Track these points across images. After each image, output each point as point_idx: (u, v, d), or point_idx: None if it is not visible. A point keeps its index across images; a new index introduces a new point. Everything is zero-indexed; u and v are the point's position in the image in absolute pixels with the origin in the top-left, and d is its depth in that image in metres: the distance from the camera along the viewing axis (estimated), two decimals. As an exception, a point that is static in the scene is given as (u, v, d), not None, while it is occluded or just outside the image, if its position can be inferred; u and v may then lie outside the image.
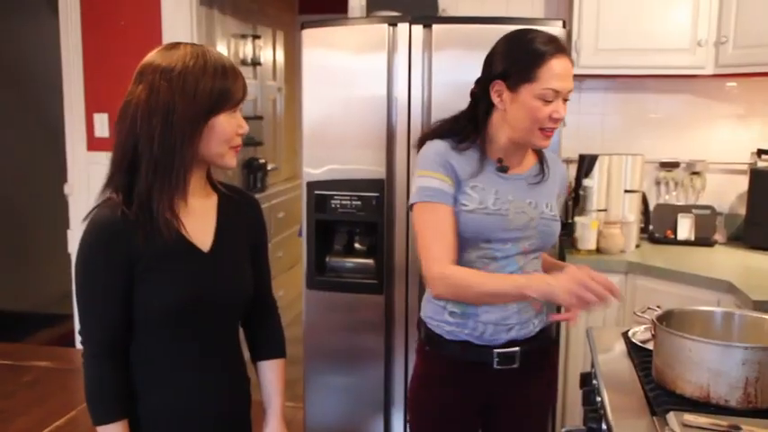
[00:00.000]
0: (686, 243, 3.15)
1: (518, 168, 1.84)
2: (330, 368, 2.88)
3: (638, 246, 3.11)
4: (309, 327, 2.89)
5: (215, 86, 1.44)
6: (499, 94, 1.75)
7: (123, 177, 1.43)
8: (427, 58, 2.62)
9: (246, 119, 4.92)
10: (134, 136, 1.41)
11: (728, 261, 2.93)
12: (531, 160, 1.87)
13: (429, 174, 1.77)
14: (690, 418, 1.33)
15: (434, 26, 2.59)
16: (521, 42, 1.74)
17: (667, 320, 1.57)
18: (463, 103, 1.86)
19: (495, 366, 1.80)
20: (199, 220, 1.51)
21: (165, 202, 1.43)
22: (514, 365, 1.82)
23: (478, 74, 1.81)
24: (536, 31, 1.75)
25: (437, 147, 1.80)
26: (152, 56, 1.45)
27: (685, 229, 3.18)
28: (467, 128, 1.81)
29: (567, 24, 2.67)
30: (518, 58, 1.72)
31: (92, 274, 1.44)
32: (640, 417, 1.45)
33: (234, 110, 1.49)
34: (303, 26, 2.71)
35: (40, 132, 5.19)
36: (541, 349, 1.90)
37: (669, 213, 3.22)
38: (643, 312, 1.71)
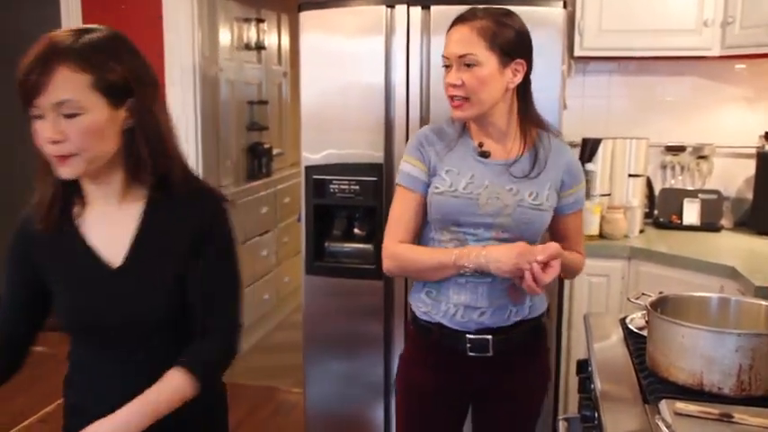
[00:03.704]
0: (692, 228, 3.11)
1: (501, 154, 1.80)
2: (330, 354, 2.86)
3: (642, 231, 3.06)
4: (309, 312, 2.87)
5: (18, 84, 1.26)
6: None
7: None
8: (426, 40, 2.58)
9: (251, 103, 4.84)
10: None
11: (734, 246, 2.89)
12: (520, 147, 1.80)
13: (406, 158, 1.86)
14: (681, 406, 1.30)
15: (433, 7, 2.55)
16: None
17: (662, 307, 1.53)
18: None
19: (468, 353, 1.80)
20: (111, 231, 1.38)
21: (61, 211, 1.37)
22: (488, 354, 1.80)
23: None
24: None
25: (421, 131, 1.89)
26: None
27: (691, 213, 3.13)
28: None
29: (569, 5, 2.61)
30: None
31: (5, 270, 1.42)
32: (633, 405, 1.43)
33: (37, 113, 1.27)
34: (300, 8, 2.68)
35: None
36: (522, 342, 1.85)
37: (675, 198, 3.17)
38: (637, 298, 1.68)
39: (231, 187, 4.25)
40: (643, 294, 1.66)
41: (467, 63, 1.70)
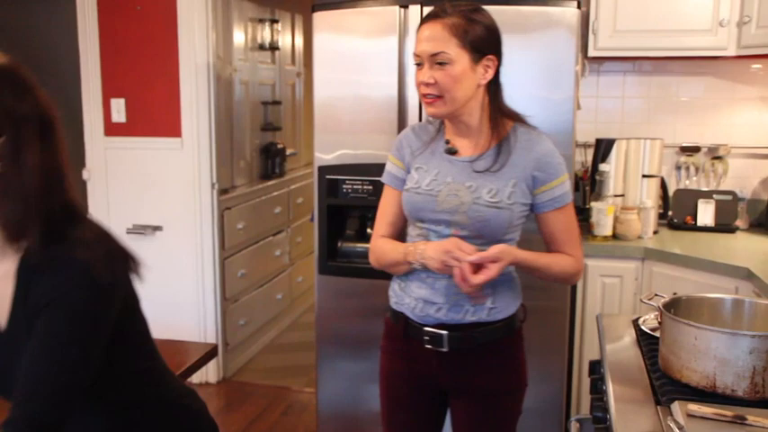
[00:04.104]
0: (707, 229, 3.09)
1: (469, 151, 1.80)
2: (342, 354, 2.87)
3: (656, 232, 3.05)
4: (321, 312, 2.88)
5: None
6: None
7: None
8: (439, 40, 2.57)
9: (265, 104, 4.86)
10: None
11: (749, 248, 2.87)
12: (487, 144, 1.79)
13: (389, 157, 1.93)
14: (694, 407, 1.29)
15: (446, 7, 2.55)
16: None
17: (675, 308, 1.53)
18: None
19: (426, 346, 1.83)
20: None
21: None
22: (443, 349, 1.82)
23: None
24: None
25: (403, 132, 1.94)
26: None
27: (706, 214, 3.11)
28: None
29: (583, 5, 2.61)
30: None
31: None
32: (645, 406, 1.42)
33: None
34: (314, 9, 2.69)
35: (61, 118, 5.22)
36: (484, 342, 1.82)
37: (689, 199, 3.15)
38: (650, 299, 1.67)
39: (245, 187, 4.27)
40: (656, 295, 1.65)
41: (438, 62, 1.69)
